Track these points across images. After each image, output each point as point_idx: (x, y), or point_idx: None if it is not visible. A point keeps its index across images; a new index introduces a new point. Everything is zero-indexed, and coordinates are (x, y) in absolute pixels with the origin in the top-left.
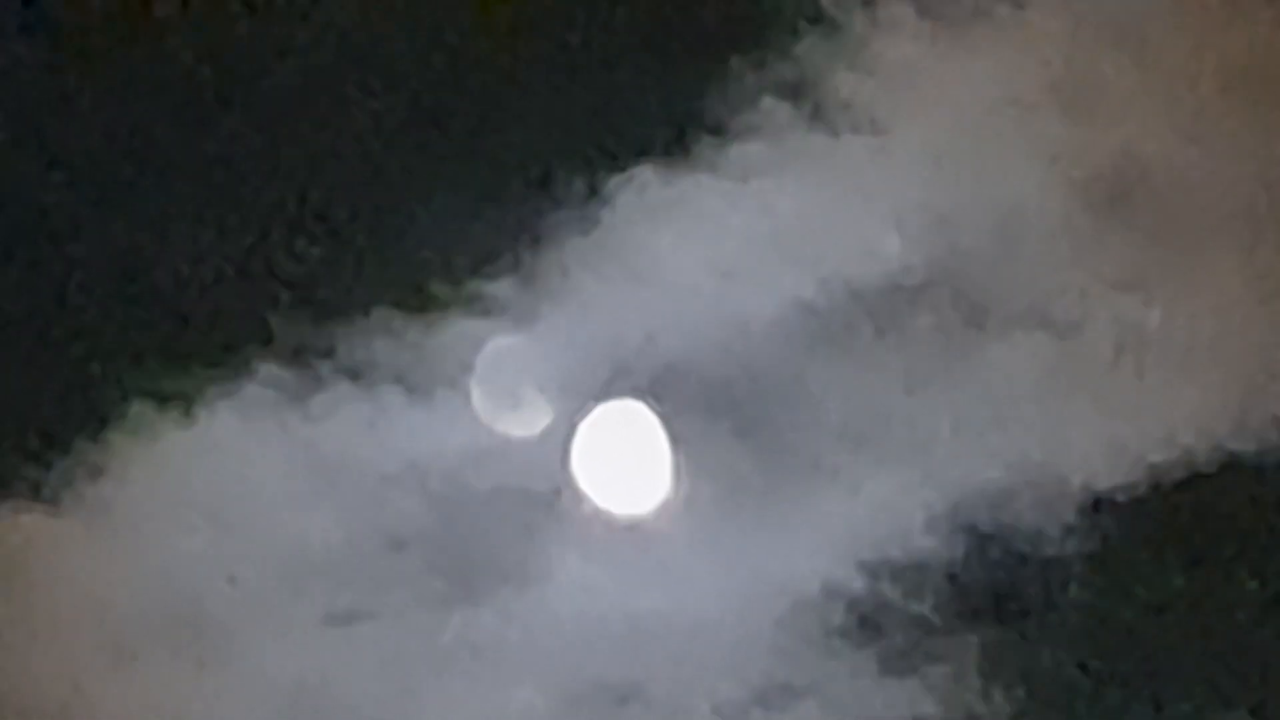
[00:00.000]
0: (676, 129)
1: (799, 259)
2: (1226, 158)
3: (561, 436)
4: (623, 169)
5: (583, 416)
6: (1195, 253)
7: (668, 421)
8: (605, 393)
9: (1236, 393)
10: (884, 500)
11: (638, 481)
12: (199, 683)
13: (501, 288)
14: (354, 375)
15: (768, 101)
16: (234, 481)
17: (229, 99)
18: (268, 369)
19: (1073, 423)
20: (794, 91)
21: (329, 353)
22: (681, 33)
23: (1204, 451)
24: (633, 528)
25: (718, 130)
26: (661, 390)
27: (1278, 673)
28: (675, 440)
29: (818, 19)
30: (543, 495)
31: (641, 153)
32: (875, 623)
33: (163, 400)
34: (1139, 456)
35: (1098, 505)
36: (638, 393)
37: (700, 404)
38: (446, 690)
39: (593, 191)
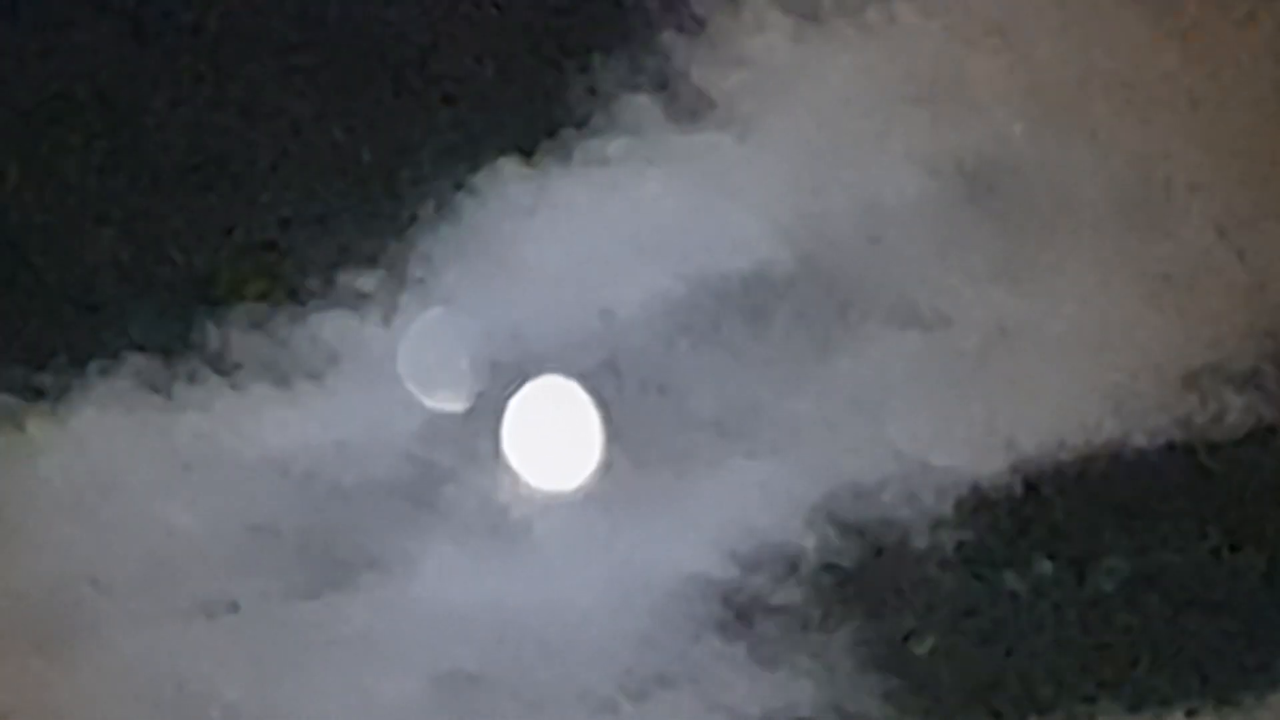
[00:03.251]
0: (540, 122)
1: (665, 253)
2: (1094, 150)
3: (433, 428)
4: (486, 162)
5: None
6: (1064, 245)
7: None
8: (473, 385)
9: (1107, 384)
10: (754, 492)
11: (565, 457)
12: (63, 674)
13: (365, 280)
14: (218, 367)
15: (631, 96)
16: (100, 473)
17: (93, 95)
18: (133, 361)
19: (942, 415)
20: (658, 86)
21: (193, 345)
22: (544, 26)
23: (1074, 443)
24: (502, 519)
25: (581, 124)
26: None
27: (1147, 661)
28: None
29: (681, 13)
30: (410, 486)
31: (505, 146)
32: (746, 614)
33: (28, 392)
34: (1009, 448)
35: (968, 497)
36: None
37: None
38: (313, 679)
39: (456, 184)
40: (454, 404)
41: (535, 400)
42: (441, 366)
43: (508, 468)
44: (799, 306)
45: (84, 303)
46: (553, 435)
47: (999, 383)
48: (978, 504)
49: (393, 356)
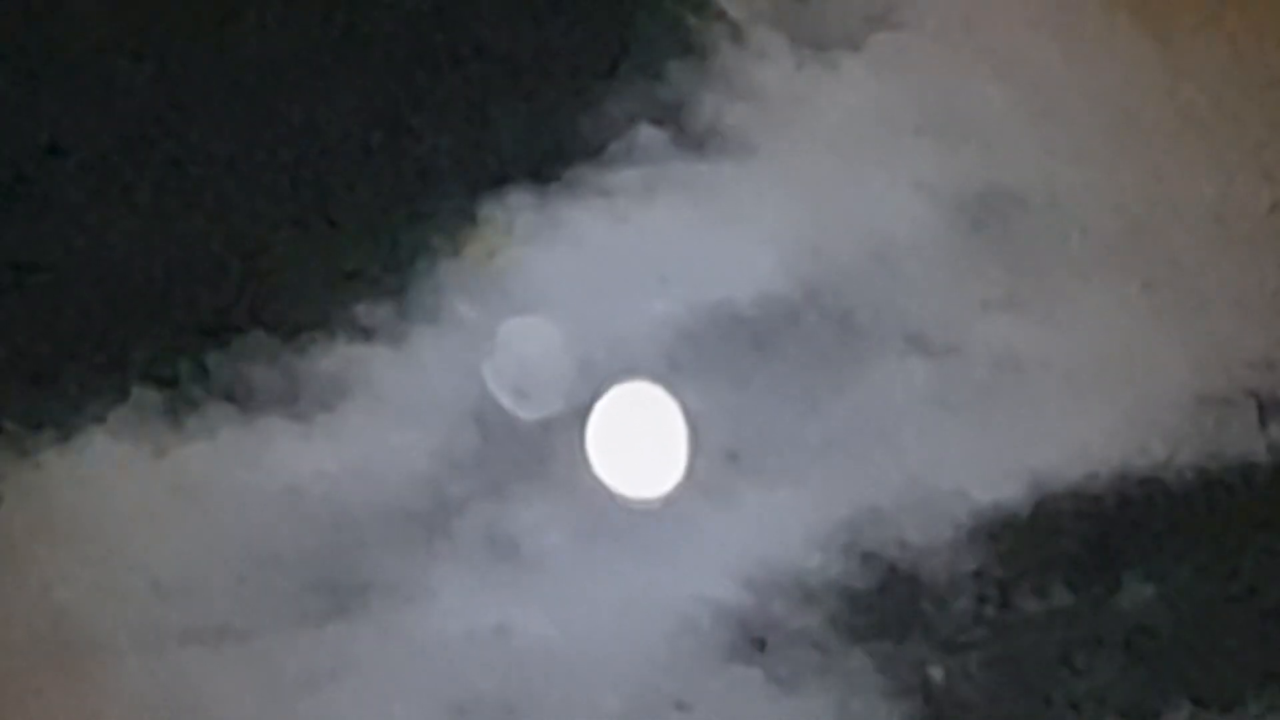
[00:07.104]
0: (549, 153)
1: (673, 282)
2: (1101, 180)
3: (445, 456)
4: (495, 192)
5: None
6: (1071, 274)
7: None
8: (479, 414)
9: (1121, 409)
10: (769, 520)
11: (651, 463)
12: (73, 698)
13: (375, 311)
14: (227, 398)
15: (640, 126)
16: (109, 502)
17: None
18: (141, 391)
19: (955, 441)
20: (666, 117)
21: (202, 375)
22: (553, 58)
23: (1090, 468)
24: (514, 546)
25: (590, 154)
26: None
27: (1166, 687)
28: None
29: (688, 45)
30: (422, 514)
31: (514, 177)
32: (763, 640)
33: (37, 423)
34: (1024, 473)
35: (983, 522)
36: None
37: (577, 425)
38: (325, 706)
39: (465, 215)
40: (536, 412)
41: (617, 407)
42: (526, 374)
43: (592, 475)
44: (808, 335)
45: (93, 332)
46: (637, 442)
47: (1011, 409)
48: (994, 529)
49: (403, 385)
